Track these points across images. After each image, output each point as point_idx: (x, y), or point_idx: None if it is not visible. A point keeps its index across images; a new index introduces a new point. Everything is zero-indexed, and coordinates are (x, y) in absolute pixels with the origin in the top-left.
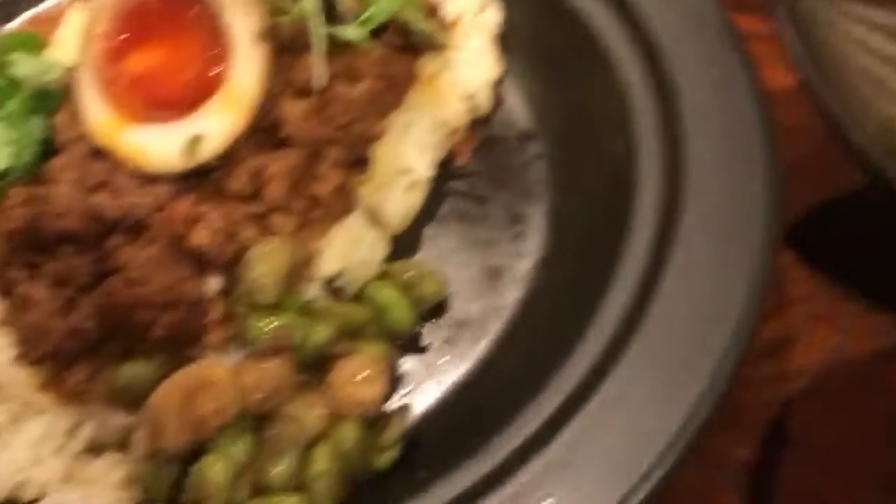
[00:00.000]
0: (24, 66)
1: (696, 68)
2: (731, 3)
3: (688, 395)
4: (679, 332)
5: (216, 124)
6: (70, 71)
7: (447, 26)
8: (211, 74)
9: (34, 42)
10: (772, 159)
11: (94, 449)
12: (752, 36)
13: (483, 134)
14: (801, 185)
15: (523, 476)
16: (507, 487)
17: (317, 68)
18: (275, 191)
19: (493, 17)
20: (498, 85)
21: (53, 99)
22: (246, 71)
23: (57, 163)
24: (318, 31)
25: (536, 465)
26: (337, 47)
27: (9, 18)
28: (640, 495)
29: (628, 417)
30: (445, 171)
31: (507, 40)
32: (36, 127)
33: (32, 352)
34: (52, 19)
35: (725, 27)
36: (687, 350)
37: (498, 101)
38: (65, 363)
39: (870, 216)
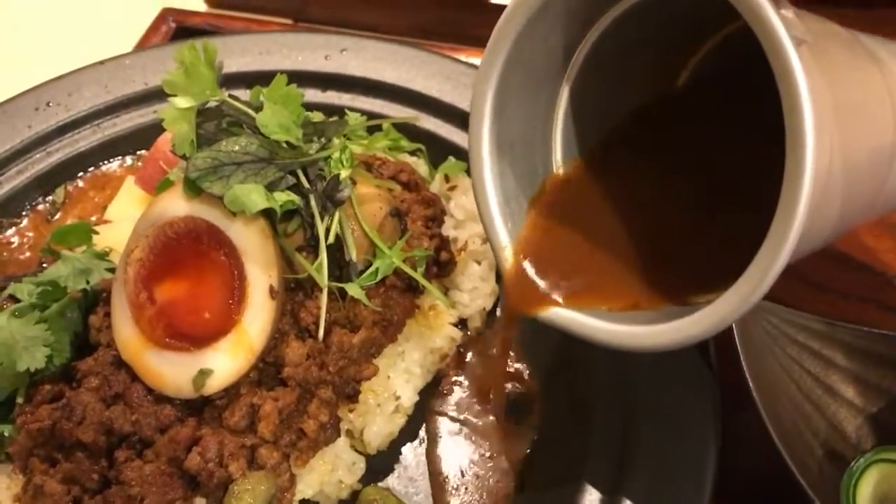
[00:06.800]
0: (67, 267)
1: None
2: None
3: None
4: None
5: (223, 362)
6: (110, 279)
7: (455, 252)
8: (226, 317)
9: (85, 232)
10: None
11: None
12: None
13: (470, 355)
14: None
15: None
16: None
17: (320, 319)
18: (265, 428)
19: None
20: (492, 311)
21: (92, 297)
22: (256, 321)
23: (84, 365)
24: (324, 286)
25: None
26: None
27: (73, 177)
28: None
29: None
30: (431, 393)
31: None
32: (72, 327)
33: None
34: (112, 182)
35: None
36: None
37: (489, 326)
38: None
39: None
